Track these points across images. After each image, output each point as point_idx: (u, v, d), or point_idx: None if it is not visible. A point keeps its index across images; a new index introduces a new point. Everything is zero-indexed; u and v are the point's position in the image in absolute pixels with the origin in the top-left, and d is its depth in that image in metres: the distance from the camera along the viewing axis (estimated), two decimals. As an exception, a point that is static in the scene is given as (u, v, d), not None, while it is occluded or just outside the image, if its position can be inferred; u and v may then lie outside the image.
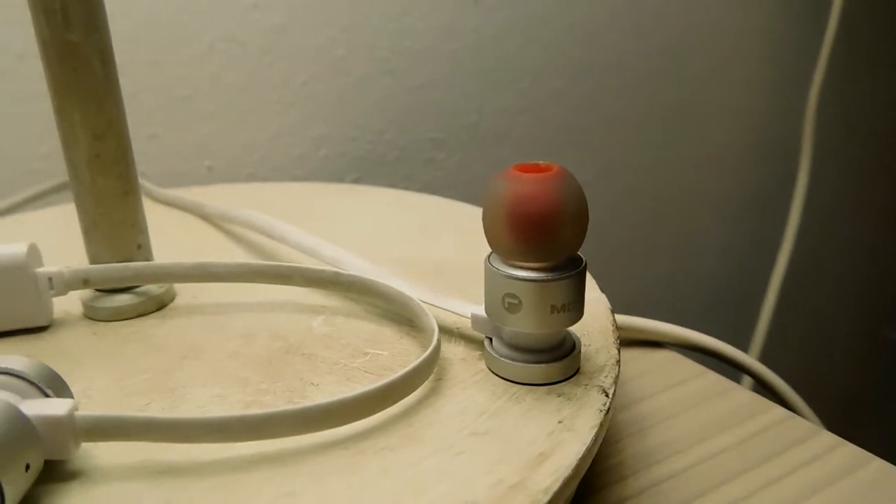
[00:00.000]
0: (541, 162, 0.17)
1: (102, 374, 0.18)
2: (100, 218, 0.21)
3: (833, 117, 0.64)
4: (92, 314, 0.21)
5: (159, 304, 0.22)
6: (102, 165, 0.20)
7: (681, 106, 0.56)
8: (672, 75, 0.55)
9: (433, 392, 0.17)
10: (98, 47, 0.20)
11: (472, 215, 0.29)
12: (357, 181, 0.45)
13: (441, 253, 0.25)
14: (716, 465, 0.20)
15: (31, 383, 0.15)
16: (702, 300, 0.64)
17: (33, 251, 0.21)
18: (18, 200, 0.35)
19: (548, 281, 0.16)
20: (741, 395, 0.23)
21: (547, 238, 0.16)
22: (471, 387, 0.17)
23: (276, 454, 0.15)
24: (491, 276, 0.17)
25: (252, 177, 0.42)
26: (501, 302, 0.17)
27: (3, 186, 0.37)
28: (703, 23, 0.55)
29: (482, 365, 0.18)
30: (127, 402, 0.17)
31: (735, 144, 0.62)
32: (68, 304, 0.22)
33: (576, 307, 0.17)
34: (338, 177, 0.44)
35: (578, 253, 0.17)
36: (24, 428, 0.14)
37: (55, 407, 0.14)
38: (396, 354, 0.19)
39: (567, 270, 0.16)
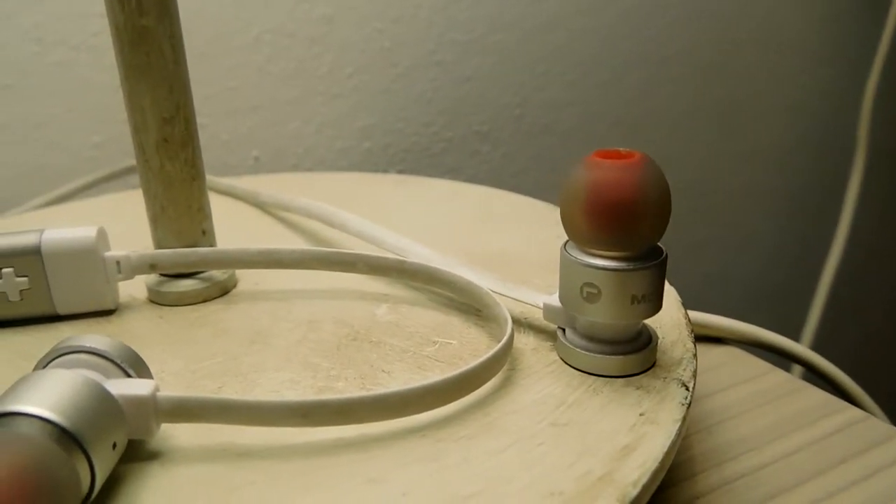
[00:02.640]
0: (622, 149, 0.16)
1: (173, 357, 0.18)
2: (167, 203, 0.21)
3: (890, 113, 0.62)
4: (157, 298, 0.22)
5: (223, 290, 0.22)
6: (171, 150, 0.20)
7: (731, 100, 0.55)
8: (723, 68, 0.54)
9: (507, 382, 0.17)
10: (169, 32, 0.20)
11: (527, 206, 0.29)
12: (401, 174, 0.45)
13: (499, 243, 0.25)
14: (791, 464, 0.19)
15: (114, 363, 0.15)
16: (749, 297, 0.63)
17: (102, 235, 0.21)
18: (73, 189, 0.36)
19: (629, 270, 0.16)
20: (813, 394, 0.22)
21: (629, 227, 0.15)
22: (545, 377, 0.17)
23: (356, 440, 0.15)
24: (568, 265, 0.16)
25: (297, 168, 0.43)
26: (579, 291, 0.16)
27: (58, 175, 0.37)
28: (756, 14, 0.54)
29: (554, 356, 0.18)
30: (199, 386, 0.17)
31: (786, 140, 0.60)
32: (132, 288, 0.22)
33: (655, 298, 0.16)
34: (381, 169, 0.44)
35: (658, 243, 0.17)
36: (110, 407, 0.14)
37: (139, 387, 0.14)
38: (465, 343, 0.18)
39: (648, 260, 0.16)
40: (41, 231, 0.20)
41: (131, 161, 0.38)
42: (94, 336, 0.15)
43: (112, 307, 0.21)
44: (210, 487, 0.14)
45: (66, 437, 0.12)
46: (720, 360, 0.24)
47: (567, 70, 0.47)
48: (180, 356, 0.18)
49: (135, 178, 0.39)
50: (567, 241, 0.17)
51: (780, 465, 0.19)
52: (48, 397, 0.13)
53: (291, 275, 0.23)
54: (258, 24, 0.39)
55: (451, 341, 0.19)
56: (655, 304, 0.16)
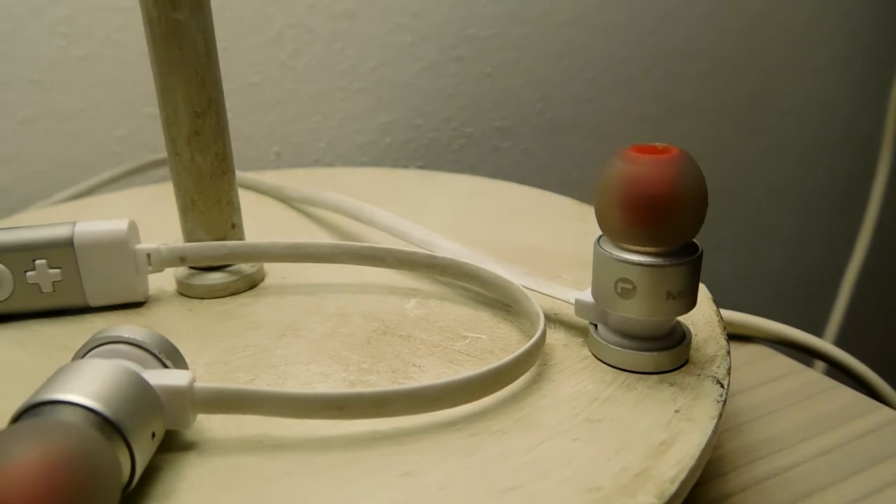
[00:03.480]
0: (658, 144, 0.16)
1: (204, 349, 0.19)
2: (197, 196, 0.21)
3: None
4: (186, 291, 0.22)
5: (251, 283, 0.22)
6: (202, 144, 0.21)
7: (755, 95, 0.55)
8: (747, 63, 0.53)
9: (540, 377, 0.17)
10: (202, 26, 0.20)
11: (552, 201, 0.29)
12: (421, 169, 0.45)
13: (525, 239, 0.25)
14: (823, 465, 0.19)
15: (152, 353, 0.15)
16: (772, 295, 0.62)
17: (133, 228, 0.21)
18: (98, 182, 0.36)
19: (664, 266, 0.16)
20: (844, 393, 0.22)
21: (664, 222, 0.15)
22: (577, 373, 0.17)
23: (390, 433, 0.15)
24: (602, 260, 0.16)
25: (318, 163, 0.43)
26: (613, 287, 0.16)
27: (82, 169, 0.38)
28: (782, 10, 0.53)
29: (586, 351, 0.18)
30: (231, 377, 0.17)
31: (812, 137, 0.59)
32: (161, 281, 0.22)
33: (690, 295, 0.16)
34: (402, 164, 0.44)
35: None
36: (149, 397, 0.14)
37: (176, 378, 0.14)
38: (496, 338, 0.18)
39: (684, 256, 0.16)
40: (73, 223, 0.21)
41: (155, 155, 0.38)
42: (131, 326, 0.15)
43: (142, 299, 0.21)
44: (247, 478, 0.14)
45: (108, 426, 0.13)
46: (748, 359, 0.24)
47: (589, 66, 0.47)
48: (211, 348, 0.19)
49: (158, 173, 0.39)
50: (601, 236, 0.17)
51: (811, 465, 0.19)
52: (89, 386, 0.13)
53: (318, 269, 0.23)
54: (280, 18, 0.40)
55: (482, 336, 0.19)
56: (690, 301, 0.16)
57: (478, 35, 0.43)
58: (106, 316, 0.21)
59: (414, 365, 0.17)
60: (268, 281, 0.22)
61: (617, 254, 0.16)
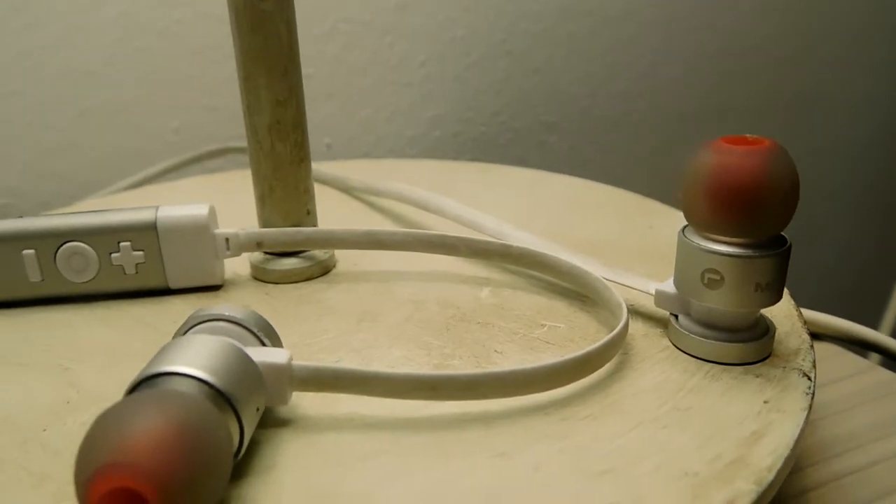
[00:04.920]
0: (749, 136, 0.16)
1: (286, 331, 0.19)
2: (276, 183, 0.22)
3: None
4: (261, 276, 0.22)
5: (324, 269, 0.22)
6: (282, 132, 0.21)
7: (805, 94, 0.54)
8: (796, 61, 0.53)
9: (623, 366, 0.17)
10: (286, 16, 0.20)
11: (612, 194, 0.29)
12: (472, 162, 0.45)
13: (587, 231, 0.25)
14: (901, 462, 0.19)
15: (251, 331, 0.15)
16: (821, 294, 0.62)
17: (212, 213, 0.22)
18: (156, 171, 0.37)
19: (754, 257, 0.16)
20: (917, 392, 0.21)
21: (754, 213, 0.15)
22: (660, 362, 0.17)
23: (480, 416, 0.15)
24: (687, 250, 0.16)
25: (368, 155, 0.43)
26: (700, 277, 0.16)
27: (138, 159, 0.38)
28: (832, 6, 0.53)
29: (666, 342, 0.18)
30: (317, 359, 0.18)
31: (861, 134, 0.58)
32: (235, 265, 0.23)
33: (778, 287, 0.16)
34: (450, 158, 0.45)
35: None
36: (253, 372, 0.14)
37: (276, 355, 0.15)
38: (574, 327, 0.19)
39: (773, 248, 0.16)
40: (156, 208, 0.21)
41: (209, 146, 0.39)
42: (229, 305, 0.15)
43: (219, 282, 0.22)
44: (343, 454, 0.14)
45: (220, 398, 0.13)
46: (818, 356, 0.24)
47: (637, 62, 0.47)
48: (293, 331, 0.19)
49: (213, 163, 0.40)
50: (685, 226, 0.17)
51: (890, 463, 0.19)
52: (201, 360, 0.13)
53: (388, 256, 0.23)
54: (334, 12, 0.40)
55: (559, 325, 0.19)
56: (777, 293, 0.16)
57: (528, 30, 0.44)
58: (186, 298, 0.21)
59: (495, 351, 0.18)
60: (340, 267, 0.23)
61: (704, 244, 0.16)
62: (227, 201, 0.28)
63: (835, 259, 0.61)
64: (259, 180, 0.22)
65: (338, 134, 0.42)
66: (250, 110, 0.21)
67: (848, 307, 0.63)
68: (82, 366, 0.18)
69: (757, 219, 0.15)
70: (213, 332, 0.15)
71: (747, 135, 0.16)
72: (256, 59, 0.20)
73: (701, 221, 0.16)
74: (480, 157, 0.45)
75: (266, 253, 0.23)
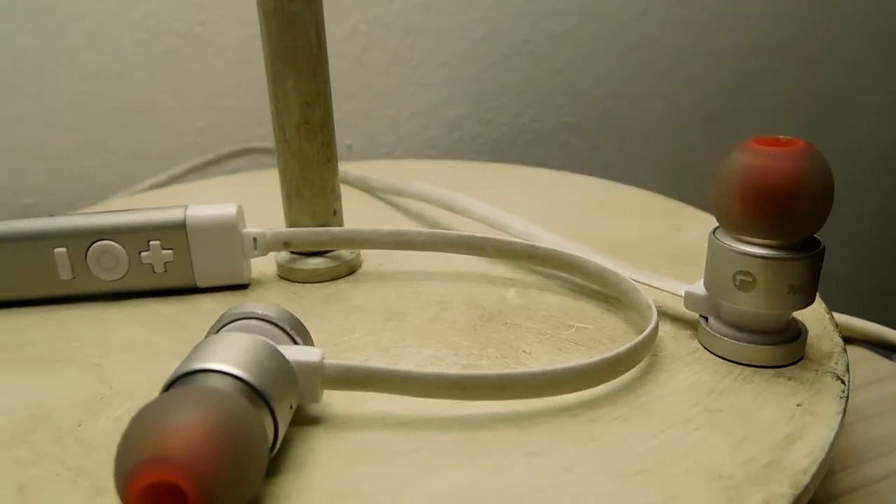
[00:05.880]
0: (781, 136, 0.16)
1: (314, 330, 0.19)
2: (303, 183, 0.22)
3: None
4: (287, 275, 0.22)
5: (350, 269, 0.23)
6: (310, 132, 0.21)
7: (832, 92, 0.53)
8: (818, 60, 0.52)
9: (652, 367, 0.17)
10: (314, 17, 0.20)
11: (636, 196, 0.29)
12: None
13: (613, 233, 0.25)
14: (935, 467, 0.18)
15: (283, 330, 0.15)
16: (842, 296, 0.61)
17: (240, 212, 0.22)
18: (180, 171, 0.37)
19: (787, 259, 0.15)
20: (950, 397, 0.21)
21: (788, 215, 0.15)
22: (690, 364, 0.17)
23: (510, 416, 0.15)
24: (719, 252, 0.16)
25: (388, 156, 0.43)
26: (731, 279, 0.16)
27: (162, 159, 0.39)
28: (858, 3, 0.52)
29: (695, 344, 0.18)
30: (346, 358, 0.18)
31: (886, 135, 0.57)
32: (261, 265, 0.23)
33: (811, 289, 0.16)
34: (470, 159, 0.45)
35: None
36: (287, 370, 0.14)
37: (308, 353, 0.15)
38: (602, 328, 0.19)
39: (806, 250, 0.16)
40: (185, 207, 0.21)
41: (231, 146, 0.39)
42: (263, 303, 0.16)
43: (246, 282, 0.22)
44: (375, 452, 0.14)
45: (256, 395, 0.13)
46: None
47: (659, 62, 0.46)
48: (320, 330, 0.19)
49: (231, 164, 0.40)
50: (716, 227, 0.17)
51: (923, 467, 0.18)
52: (235, 357, 0.14)
53: (413, 256, 0.23)
54: (355, 13, 0.40)
55: (587, 326, 0.19)
56: (811, 295, 0.16)
57: (550, 30, 0.43)
58: (213, 296, 0.21)
59: (523, 351, 0.18)
60: (365, 267, 0.23)
61: (736, 246, 0.16)
62: (248, 202, 0.28)
63: (857, 261, 0.60)
64: (286, 180, 0.22)
65: (358, 135, 0.42)
66: (278, 111, 0.21)
67: (869, 310, 0.62)
68: (113, 362, 0.18)
69: (791, 221, 0.15)
70: (246, 330, 0.15)
71: (780, 136, 0.16)
72: (285, 60, 0.20)
73: (733, 223, 0.16)
74: (501, 158, 0.45)
75: (292, 252, 0.23)
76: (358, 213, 0.28)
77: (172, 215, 0.21)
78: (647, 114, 0.47)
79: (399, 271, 0.23)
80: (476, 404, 0.15)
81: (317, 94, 0.21)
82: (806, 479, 0.13)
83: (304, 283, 0.22)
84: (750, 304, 0.16)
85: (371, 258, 0.24)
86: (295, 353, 0.15)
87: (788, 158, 0.15)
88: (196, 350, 0.14)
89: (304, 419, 0.15)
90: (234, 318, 0.15)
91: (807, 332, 0.17)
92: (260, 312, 0.15)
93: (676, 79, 0.47)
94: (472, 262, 0.23)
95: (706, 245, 0.23)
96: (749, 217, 0.15)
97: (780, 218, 0.15)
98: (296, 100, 0.21)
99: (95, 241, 0.21)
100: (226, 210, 0.21)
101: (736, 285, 0.16)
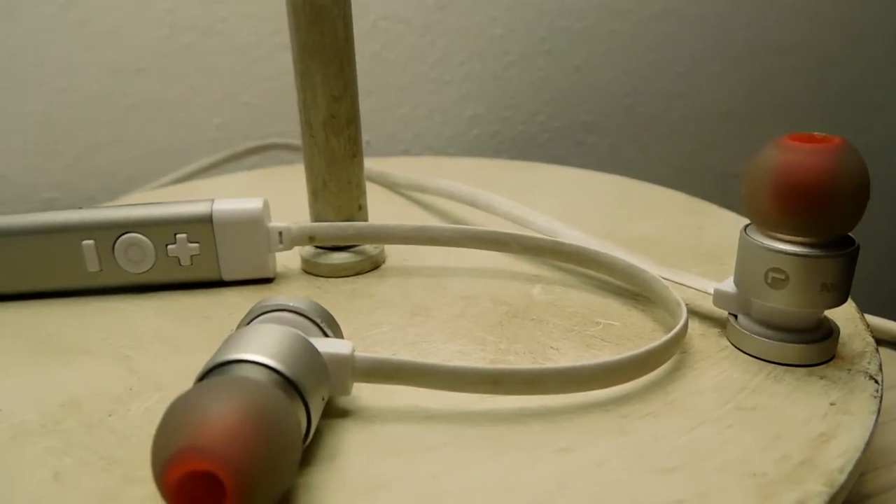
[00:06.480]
0: (816, 133, 0.16)
1: (341, 324, 0.19)
2: (329, 178, 0.22)
3: None
4: (312, 269, 0.22)
5: (374, 264, 0.23)
6: (336, 127, 0.21)
7: (852, 91, 0.53)
8: (838, 59, 0.51)
9: (682, 365, 0.17)
10: (343, 12, 0.20)
11: (659, 194, 0.29)
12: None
13: (637, 230, 0.25)
14: (966, 470, 0.18)
15: (315, 322, 0.15)
16: (861, 299, 0.60)
17: (266, 207, 0.22)
18: (200, 167, 0.37)
19: (821, 257, 0.15)
20: (980, 399, 0.21)
21: (822, 213, 0.15)
22: (720, 362, 0.17)
23: (539, 411, 0.15)
24: (750, 249, 0.16)
25: (406, 153, 0.43)
26: (763, 277, 0.16)
27: (182, 154, 0.39)
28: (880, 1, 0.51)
29: (724, 341, 0.18)
30: (374, 352, 0.18)
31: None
32: (286, 259, 0.23)
33: (844, 287, 0.16)
34: (488, 156, 0.45)
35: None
36: (318, 362, 0.14)
37: (340, 346, 0.15)
38: (629, 325, 0.18)
39: (840, 248, 0.16)
40: (212, 201, 0.21)
41: (250, 142, 0.39)
42: (293, 296, 0.16)
43: (271, 275, 0.22)
44: (405, 445, 0.14)
45: (289, 386, 0.13)
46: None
47: (678, 60, 0.46)
48: (347, 324, 0.19)
49: (250, 160, 0.40)
50: (748, 224, 0.17)
51: (954, 469, 0.18)
52: (269, 349, 0.14)
53: (437, 252, 0.23)
54: (375, 10, 0.40)
55: (614, 323, 0.19)
56: (844, 294, 0.16)
57: (569, 28, 0.43)
58: (238, 290, 0.22)
59: (551, 347, 0.18)
60: (389, 262, 0.23)
61: (768, 243, 0.16)
62: (268, 197, 0.28)
63: (879, 261, 0.60)
64: (312, 175, 0.22)
65: (377, 131, 0.42)
66: (306, 105, 0.21)
67: (890, 310, 0.62)
68: (141, 354, 0.18)
69: (825, 218, 0.15)
70: (277, 322, 0.15)
71: (815, 133, 0.16)
72: (313, 55, 0.20)
73: (766, 220, 0.16)
74: (519, 156, 0.45)
75: (317, 247, 0.23)
76: (381, 208, 0.28)
77: (199, 209, 0.21)
78: (666, 112, 0.47)
79: (423, 267, 0.23)
80: (504, 399, 0.15)
81: (344, 88, 0.21)
82: (842, 478, 0.13)
83: (328, 277, 0.22)
84: (782, 302, 0.16)
85: (395, 253, 0.24)
86: (326, 346, 0.15)
87: (824, 155, 0.15)
88: (229, 341, 0.14)
89: (334, 412, 0.15)
90: (265, 310, 0.15)
91: (839, 330, 0.17)
92: (291, 305, 0.15)
93: (695, 77, 0.47)
94: (496, 258, 0.23)
95: (730, 243, 0.23)
96: (783, 214, 0.15)
97: (815, 215, 0.15)
98: (323, 94, 0.21)
99: (123, 234, 0.21)
100: (252, 204, 0.21)
101: (768, 283, 0.16)
